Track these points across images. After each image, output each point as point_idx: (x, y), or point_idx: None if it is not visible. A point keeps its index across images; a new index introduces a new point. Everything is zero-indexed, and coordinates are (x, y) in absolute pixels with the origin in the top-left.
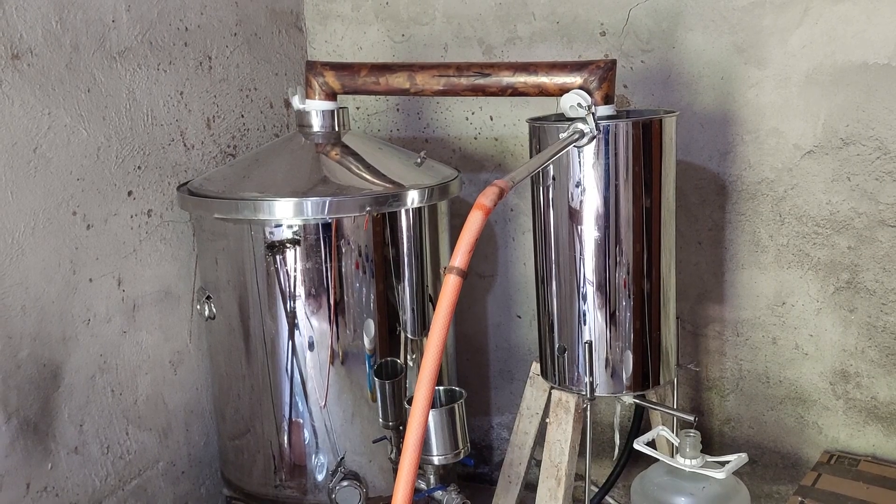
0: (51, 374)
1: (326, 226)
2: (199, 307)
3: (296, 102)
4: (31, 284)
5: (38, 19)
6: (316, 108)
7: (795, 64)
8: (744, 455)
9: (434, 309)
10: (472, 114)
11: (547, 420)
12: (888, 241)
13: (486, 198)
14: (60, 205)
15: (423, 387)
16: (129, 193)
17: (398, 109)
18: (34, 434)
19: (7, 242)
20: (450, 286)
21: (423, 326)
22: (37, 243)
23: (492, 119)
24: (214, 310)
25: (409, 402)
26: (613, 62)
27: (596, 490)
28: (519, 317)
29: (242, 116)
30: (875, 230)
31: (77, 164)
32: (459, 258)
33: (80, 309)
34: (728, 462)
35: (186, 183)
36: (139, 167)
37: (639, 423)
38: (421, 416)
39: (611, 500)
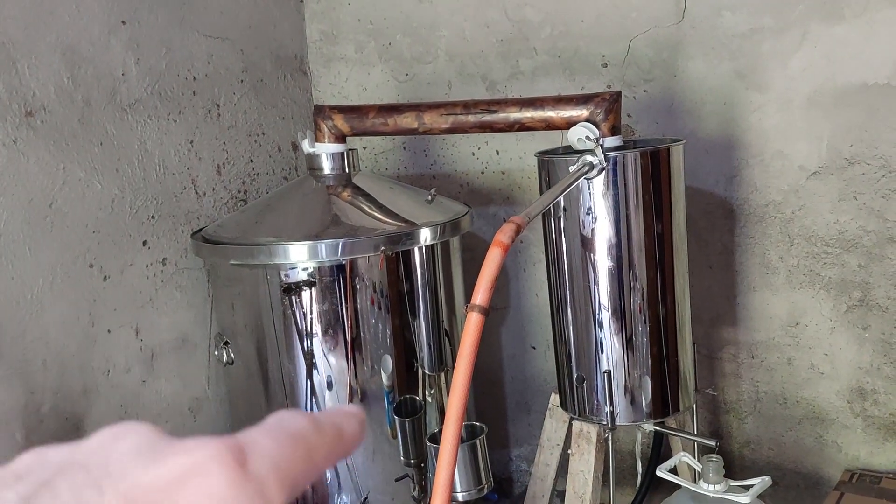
0: (73, 427)
1: (341, 266)
2: (216, 353)
3: (305, 146)
4: (52, 339)
5: (50, 76)
6: (326, 151)
7: (796, 87)
8: (767, 478)
9: (450, 344)
10: (479, 149)
11: (569, 451)
12: None
13: (504, 235)
14: (77, 258)
15: (450, 427)
16: (144, 243)
17: (405, 148)
18: None
19: (27, 298)
20: (472, 324)
21: (440, 362)
22: (55, 297)
23: (498, 153)
24: (233, 355)
25: (430, 439)
26: (618, 93)
27: None
28: (533, 347)
29: (251, 161)
30: (884, 247)
31: (92, 217)
32: (480, 296)
33: (99, 361)
34: (752, 486)
35: (200, 230)
36: (153, 217)
37: (658, 449)
38: (450, 457)
39: None
